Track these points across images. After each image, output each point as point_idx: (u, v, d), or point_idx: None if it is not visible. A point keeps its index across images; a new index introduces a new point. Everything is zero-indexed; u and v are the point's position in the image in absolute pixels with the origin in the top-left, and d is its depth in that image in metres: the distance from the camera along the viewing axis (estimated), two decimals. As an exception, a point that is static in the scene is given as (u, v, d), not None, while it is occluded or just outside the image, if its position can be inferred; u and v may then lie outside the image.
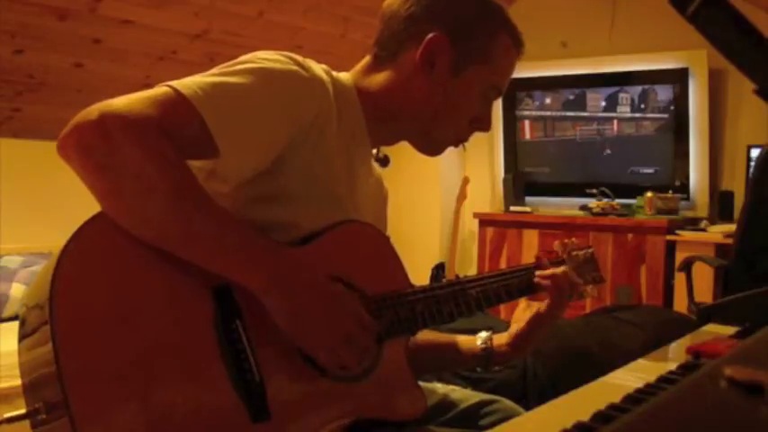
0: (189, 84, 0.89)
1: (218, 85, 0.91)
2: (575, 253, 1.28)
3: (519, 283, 1.18)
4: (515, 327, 1.19)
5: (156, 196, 0.84)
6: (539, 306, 1.17)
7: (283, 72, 0.97)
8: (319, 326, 0.91)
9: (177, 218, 0.85)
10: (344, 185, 1.07)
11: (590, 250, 1.32)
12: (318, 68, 1.04)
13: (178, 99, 0.88)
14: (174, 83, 0.89)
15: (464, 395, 1.22)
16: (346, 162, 1.07)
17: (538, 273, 1.17)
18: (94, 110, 0.83)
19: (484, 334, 1.22)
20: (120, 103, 0.85)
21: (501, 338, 1.20)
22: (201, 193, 0.88)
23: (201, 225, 0.86)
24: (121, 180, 0.83)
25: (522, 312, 1.19)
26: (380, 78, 1.11)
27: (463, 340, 1.23)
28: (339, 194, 1.05)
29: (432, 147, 1.15)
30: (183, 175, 0.87)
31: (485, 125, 1.15)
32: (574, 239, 1.30)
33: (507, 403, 1.20)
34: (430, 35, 1.06)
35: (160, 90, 0.89)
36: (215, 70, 0.95)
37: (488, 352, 1.20)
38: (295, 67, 0.98)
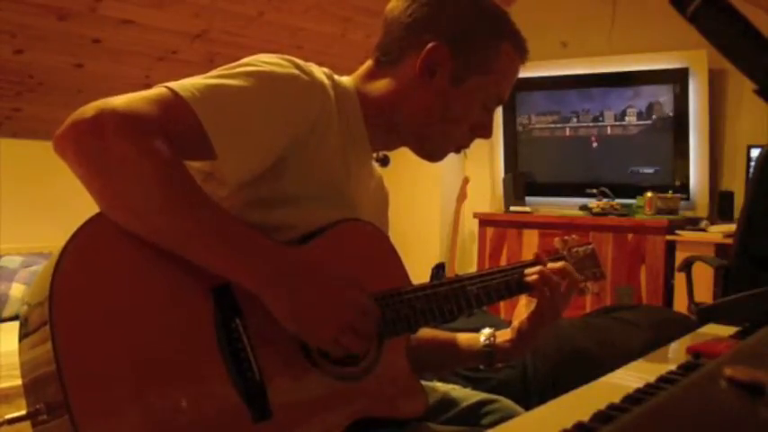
0: (186, 85, 0.89)
1: (216, 87, 0.91)
2: (575, 249, 1.28)
3: (519, 280, 1.18)
4: (517, 322, 1.19)
5: (153, 193, 0.84)
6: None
7: (283, 75, 0.96)
8: (320, 317, 0.90)
9: (174, 214, 0.85)
10: (344, 189, 1.07)
11: (590, 246, 1.32)
12: (320, 72, 1.03)
13: (175, 100, 0.88)
14: (172, 84, 0.89)
15: (464, 394, 1.22)
16: (346, 166, 1.06)
17: (526, 270, 1.16)
18: (90, 108, 0.83)
19: (487, 331, 1.21)
20: (117, 101, 0.85)
21: (504, 335, 1.20)
22: (198, 190, 0.88)
23: (198, 222, 0.86)
24: (117, 178, 0.83)
25: (524, 308, 1.19)
26: (381, 84, 1.10)
27: (464, 338, 1.23)
28: (339, 198, 1.05)
29: (431, 153, 1.15)
30: (179, 172, 0.87)
31: (486, 132, 1.14)
32: (574, 236, 1.30)
33: (507, 403, 1.20)
34: (430, 45, 1.05)
35: (157, 91, 0.89)
36: (215, 72, 0.95)
37: (491, 349, 1.19)
38: (296, 71, 0.98)
